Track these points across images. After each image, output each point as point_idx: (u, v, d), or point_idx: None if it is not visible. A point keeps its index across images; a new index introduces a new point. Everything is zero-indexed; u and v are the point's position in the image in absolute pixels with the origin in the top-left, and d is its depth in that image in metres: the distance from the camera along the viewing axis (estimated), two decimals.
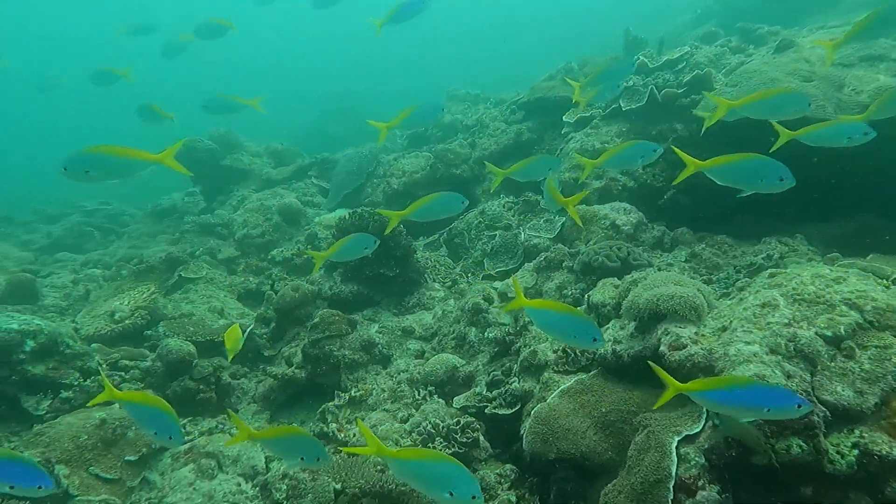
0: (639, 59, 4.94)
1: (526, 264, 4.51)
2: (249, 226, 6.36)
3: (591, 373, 3.14)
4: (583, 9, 27.10)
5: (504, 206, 5.26)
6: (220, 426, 3.63)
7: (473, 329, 4.13)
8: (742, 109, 2.80)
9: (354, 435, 3.22)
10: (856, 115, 2.96)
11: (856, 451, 2.11)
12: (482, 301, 4.22)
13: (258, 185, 7.57)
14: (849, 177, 4.19)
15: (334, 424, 3.31)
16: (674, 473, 2.31)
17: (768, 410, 1.92)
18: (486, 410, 3.33)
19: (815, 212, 4.64)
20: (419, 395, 3.57)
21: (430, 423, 3.18)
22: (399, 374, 3.97)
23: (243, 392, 4.18)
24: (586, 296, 3.66)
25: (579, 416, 2.92)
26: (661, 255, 4.31)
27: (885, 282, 2.89)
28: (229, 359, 3.61)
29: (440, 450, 2.98)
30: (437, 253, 5.40)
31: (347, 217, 4.69)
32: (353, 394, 3.58)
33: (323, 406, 3.54)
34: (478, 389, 3.59)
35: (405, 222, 3.86)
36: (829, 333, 2.42)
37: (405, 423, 3.31)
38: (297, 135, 14.36)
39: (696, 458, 2.35)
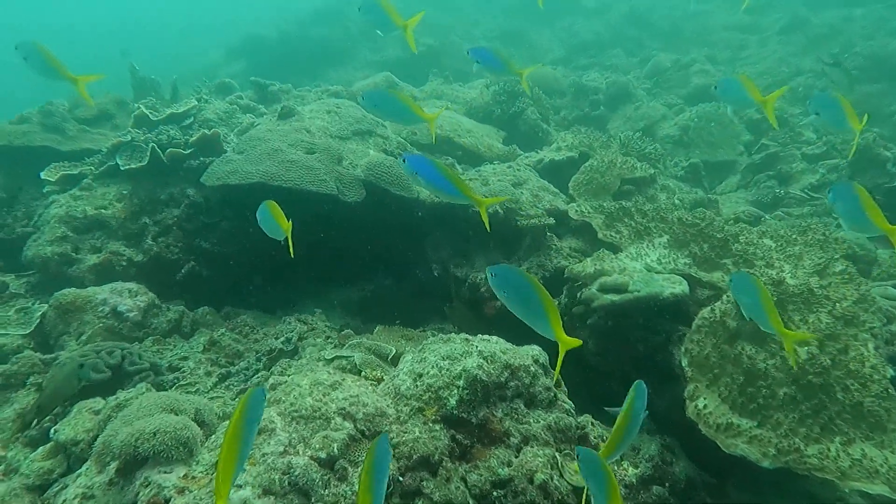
0: (139, 108, 4.17)
1: None
2: None
3: None
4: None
5: None
6: None
7: None
8: None
9: None
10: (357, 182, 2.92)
11: None
12: None
13: None
14: (365, 244, 4.36)
15: None
16: None
17: None
18: None
19: (341, 275, 4.74)
20: None
21: None
22: None
23: None
24: (52, 430, 2.70)
25: None
26: (174, 347, 3.64)
27: (380, 370, 2.91)
28: None
29: None
30: None
31: None
32: None
33: None
34: None
35: None
36: (323, 455, 2.19)
37: None
38: None
39: None
